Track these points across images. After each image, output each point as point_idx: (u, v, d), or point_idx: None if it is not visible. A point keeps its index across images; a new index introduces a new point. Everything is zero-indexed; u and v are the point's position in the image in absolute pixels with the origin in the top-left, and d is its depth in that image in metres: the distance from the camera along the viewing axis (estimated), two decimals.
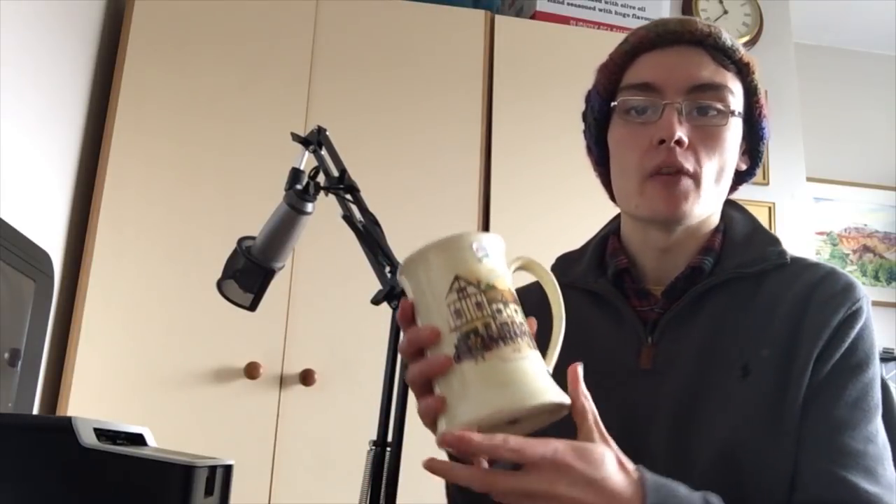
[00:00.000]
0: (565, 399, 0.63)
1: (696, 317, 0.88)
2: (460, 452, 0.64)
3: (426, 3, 2.15)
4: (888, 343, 2.80)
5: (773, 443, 0.80)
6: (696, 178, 0.86)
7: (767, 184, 2.67)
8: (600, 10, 2.33)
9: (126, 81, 1.93)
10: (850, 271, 2.98)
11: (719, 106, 0.87)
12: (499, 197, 2.03)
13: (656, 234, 0.90)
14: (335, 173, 1.03)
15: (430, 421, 0.64)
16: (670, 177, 0.85)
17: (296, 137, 1.07)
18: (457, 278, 0.62)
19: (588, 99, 0.98)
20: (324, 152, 1.06)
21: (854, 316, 0.84)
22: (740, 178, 0.96)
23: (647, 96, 0.88)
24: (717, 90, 0.87)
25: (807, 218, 2.73)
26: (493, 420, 0.60)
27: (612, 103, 0.92)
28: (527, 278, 1.04)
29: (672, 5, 2.59)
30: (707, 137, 0.87)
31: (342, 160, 1.04)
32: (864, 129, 3.16)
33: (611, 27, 2.31)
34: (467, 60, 2.12)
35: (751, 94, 0.92)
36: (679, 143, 0.85)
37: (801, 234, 2.66)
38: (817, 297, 0.85)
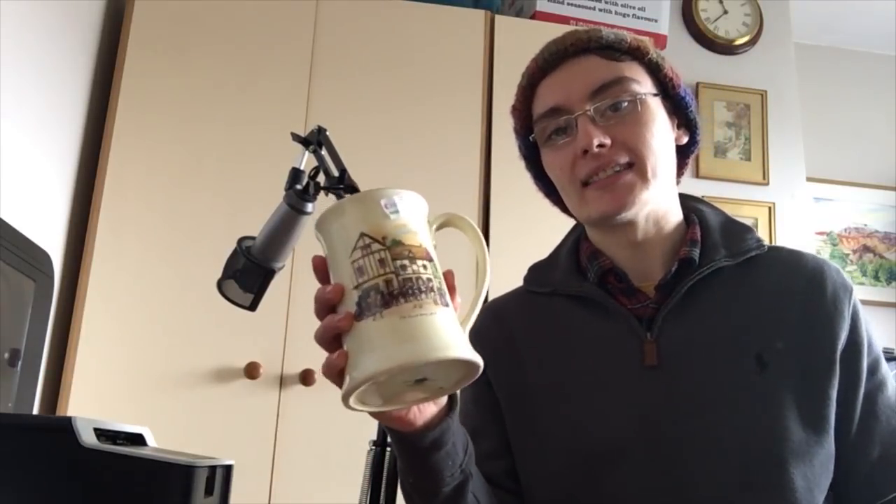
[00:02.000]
0: (471, 356, 0.60)
1: (693, 308, 0.89)
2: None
3: (426, 3, 2.15)
4: (888, 343, 2.80)
5: (804, 430, 0.83)
6: (636, 167, 0.88)
7: (767, 184, 2.67)
8: (600, 10, 2.33)
9: (126, 81, 1.93)
10: (850, 271, 2.99)
11: (626, 97, 0.89)
12: (499, 197, 2.03)
13: (622, 231, 0.92)
14: (335, 173, 1.02)
15: (334, 376, 0.64)
16: (607, 179, 0.87)
17: (296, 137, 1.06)
18: (362, 235, 0.61)
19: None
20: (324, 152, 1.05)
21: (857, 305, 0.90)
22: (685, 152, 0.98)
23: (558, 117, 0.90)
24: (618, 83, 0.89)
25: (807, 218, 2.73)
26: (391, 375, 0.59)
27: (531, 137, 0.95)
28: (508, 285, 1.04)
29: (672, 5, 2.59)
30: (629, 128, 0.88)
31: (342, 160, 1.04)
32: (864, 129, 3.15)
33: (611, 27, 2.31)
34: (467, 60, 2.11)
35: (655, 71, 0.93)
36: (601, 146, 0.87)
37: (801, 234, 2.66)
38: (819, 289, 0.89)
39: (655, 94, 0.91)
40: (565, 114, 0.90)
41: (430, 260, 0.62)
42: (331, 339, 0.63)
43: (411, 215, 0.63)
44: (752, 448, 0.82)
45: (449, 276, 0.65)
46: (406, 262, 0.60)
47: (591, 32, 0.92)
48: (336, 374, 0.63)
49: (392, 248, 0.60)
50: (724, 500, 0.82)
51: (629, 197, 0.87)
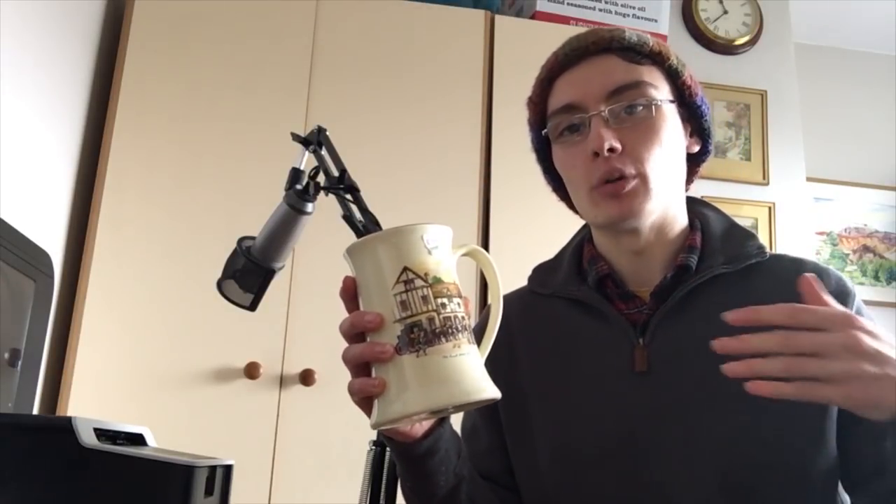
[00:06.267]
0: (497, 394, 0.65)
1: (686, 315, 0.88)
2: None
3: (426, 3, 2.15)
4: None
5: (794, 438, 0.82)
6: (642, 177, 0.87)
7: (767, 184, 2.67)
8: (600, 10, 2.33)
9: (126, 81, 1.93)
10: (850, 271, 2.98)
11: (642, 101, 0.88)
12: (499, 197, 2.03)
13: (626, 238, 0.92)
14: (335, 173, 1.02)
15: (362, 398, 0.67)
16: (616, 184, 0.87)
17: (296, 137, 1.06)
18: (405, 269, 0.63)
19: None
20: (324, 152, 1.05)
21: (860, 311, 0.86)
22: (696, 160, 0.97)
23: (572, 115, 0.90)
24: (636, 87, 0.89)
25: (807, 218, 2.73)
26: (435, 411, 0.64)
27: (544, 132, 0.94)
28: (507, 285, 1.04)
29: (672, 5, 2.59)
30: (641, 134, 0.88)
31: (342, 160, 1.04)
32: (864, 129, 3.15)
33: (611, 27, 2.31)
34: (467, 60, 2.12)
35: (674, 77, 0.93)
36: (612, 150, 0.86)
37: (801, 234, 2.66)
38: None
39: (671, 101, 0.91)
40: (580, 112, 0.90)
41: (461, 297, 0.65)
42: (363, 364, 0.66)
43: (446, 250, 0.66)
44: (731, 452, 0.82)
45: (467, 306, 0.67)
46: (445, 300, 0.63)
47: (613, 32, 0.92)
48: (368, 397, 0.66)
49: (434, 286, 0.63)
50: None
51: (635, 206, 0.87)
